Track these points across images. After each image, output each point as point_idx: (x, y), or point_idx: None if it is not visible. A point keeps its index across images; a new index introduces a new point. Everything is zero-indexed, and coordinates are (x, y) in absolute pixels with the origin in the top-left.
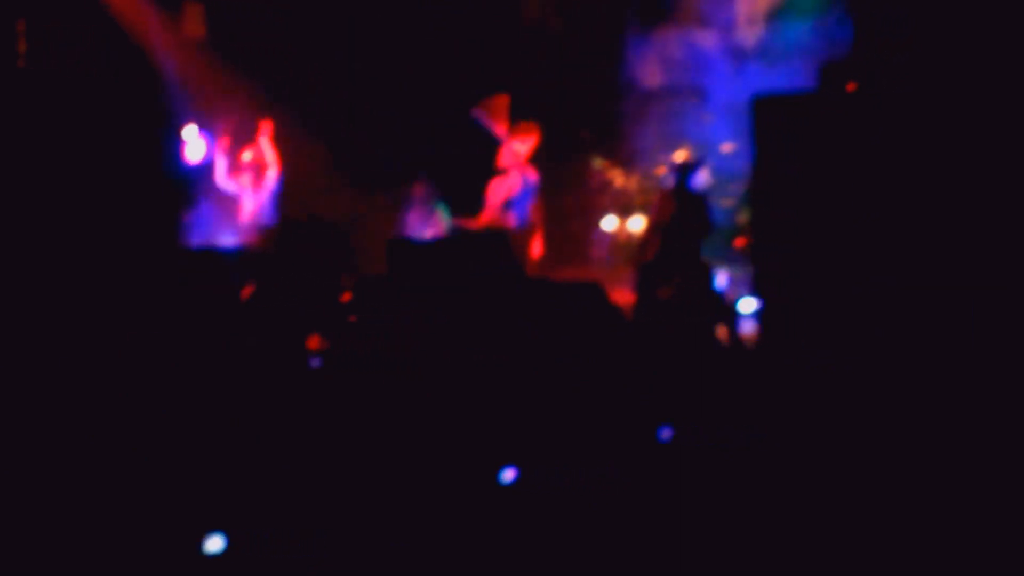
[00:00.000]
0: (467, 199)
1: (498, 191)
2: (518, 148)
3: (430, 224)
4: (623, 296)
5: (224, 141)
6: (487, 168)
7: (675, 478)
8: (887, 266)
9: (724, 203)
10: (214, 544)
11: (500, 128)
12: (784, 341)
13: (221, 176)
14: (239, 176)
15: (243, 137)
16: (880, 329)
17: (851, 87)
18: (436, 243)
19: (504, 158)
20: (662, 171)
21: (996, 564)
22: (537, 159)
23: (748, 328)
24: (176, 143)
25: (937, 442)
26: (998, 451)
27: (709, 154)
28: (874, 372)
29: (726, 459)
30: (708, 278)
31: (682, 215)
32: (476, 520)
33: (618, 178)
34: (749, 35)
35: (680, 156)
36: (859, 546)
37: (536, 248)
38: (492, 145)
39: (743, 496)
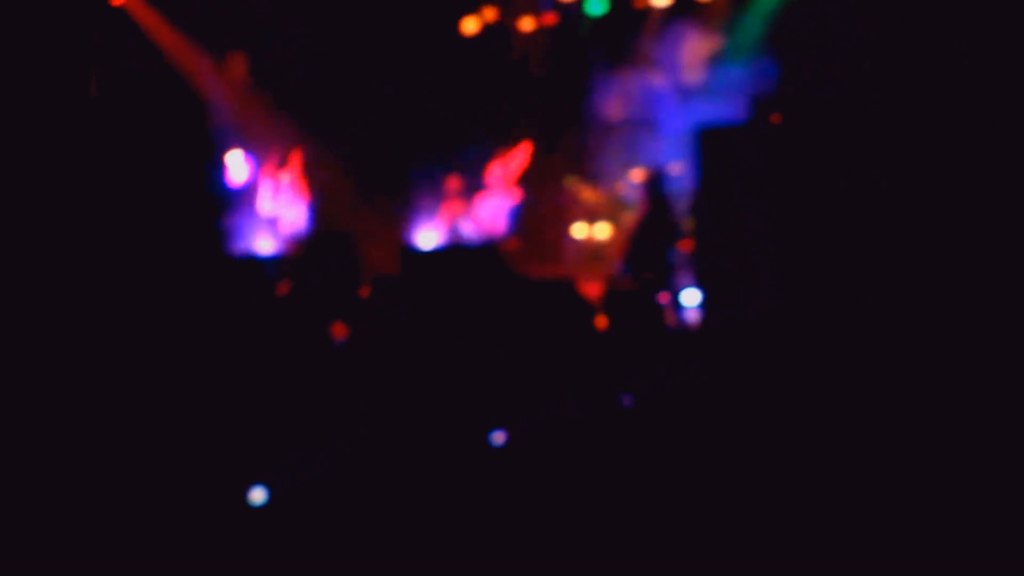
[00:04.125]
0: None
1: (490, 208)
2: (507, 170)
3: (464, 216)
4: (590, 290)
5: (266, 167)
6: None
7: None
8: (805, 266)
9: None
10: (258, 496)
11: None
12: (720, 326)
13: (265, 199)
14: (279, 196)
15: (280, 162)
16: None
17: (776, 118)
18: (439, 251)
19: (491, 178)
20: (621, 188)
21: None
22: (521, 178)
23: (692, 315)
24: (219, 166)
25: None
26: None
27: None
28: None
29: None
30: (667, 275)
31: (647, 222)
32: (469, 477)
33: (586, 193)
34: (694, 76)
35: (639, 175)
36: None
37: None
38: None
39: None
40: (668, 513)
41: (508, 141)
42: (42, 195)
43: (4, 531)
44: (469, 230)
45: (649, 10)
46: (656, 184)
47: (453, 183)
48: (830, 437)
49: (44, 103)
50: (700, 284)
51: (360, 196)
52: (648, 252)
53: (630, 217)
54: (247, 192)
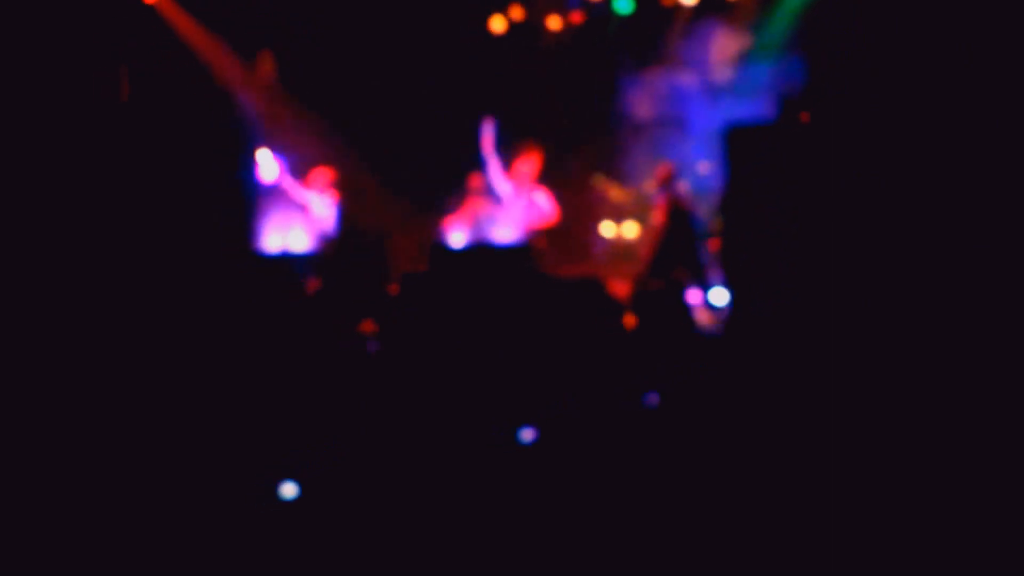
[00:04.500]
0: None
1: (515, 206)
2: (525, 170)
3: (485, 213)
4: (618, 288)
5: (295, 164)
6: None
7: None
8: (833, 264)
9: (700, 212)
10: (289, 491)
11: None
12: (748, 325)
13: (295, 197)
14: (308, 194)
15: (311, 160)
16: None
17: (805, 117)
18: (466, 249)
19: (514, 179)
20: (650, 186)
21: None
22: (549, 177)
23: (721, 313)
24: (250, 164)
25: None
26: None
27: (688, 173)
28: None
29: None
30: (698, 275)
31: (670, 220)
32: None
33: (614, 192)
34: (722, 74)
35: (660, 171)
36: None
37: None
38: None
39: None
40: (693, 510)
41: (533, 139)
42: (74, 192)
43: (29, 525)
44: (493, 228)
45: (677, 8)
46: (671, 183)
47: (475, 180)
48: (858, 436)
49: (76, 101)
50: (728, 282)
51: (388, 195)
52: (675, 251)
53: (656, 216)
54: (276, 189)
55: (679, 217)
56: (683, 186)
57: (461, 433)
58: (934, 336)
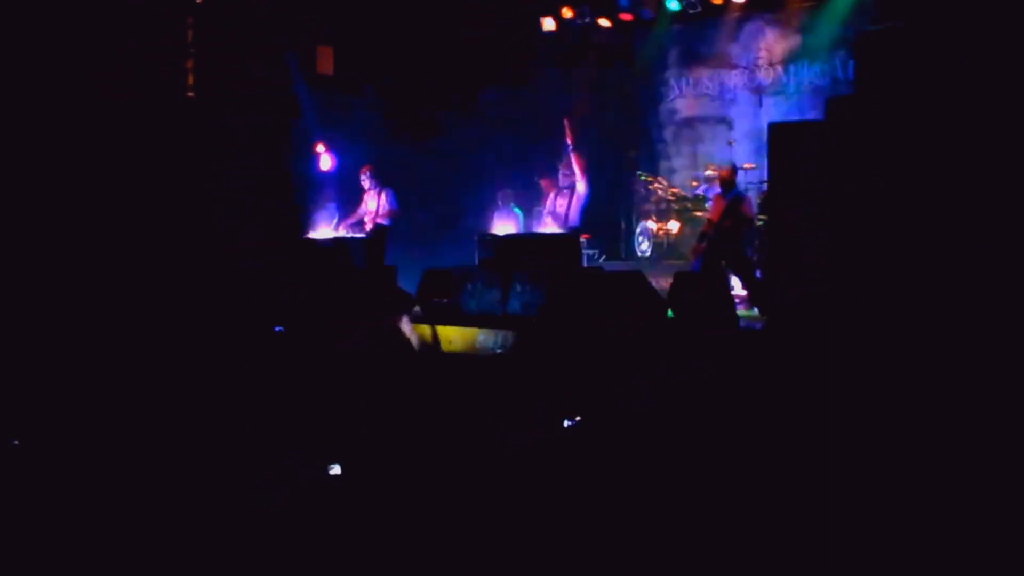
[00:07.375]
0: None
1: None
2: (576, 169)
3: (509, 221)
4: (660, 282)
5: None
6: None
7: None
8: (872, 255)
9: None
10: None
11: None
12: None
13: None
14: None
15: (366, 156)
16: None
17: (850, 117)
18: (518, 237)
19: (564, 173)
20: (694, 183)
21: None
22: (594, 173)
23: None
24: (309, 156)
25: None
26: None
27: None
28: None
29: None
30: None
31: (728, 217)
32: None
33: (659, 189)
34: (768, 75)
35: (723, 172)
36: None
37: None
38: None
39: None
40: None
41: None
42: (134, 178)
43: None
44: (545, 221)
45: (726, 8)
46: (731, 180)
47: (545, 181)
48: (898, 433)
49: (141, 96)
50: (771, 277)
51: (439, 189)
52: (725, 246)
53: (704, 212)
54: (331, 181)
55: (737, 219)
56: (751, 197)
57: (500, 419)
58: (975, 335)
